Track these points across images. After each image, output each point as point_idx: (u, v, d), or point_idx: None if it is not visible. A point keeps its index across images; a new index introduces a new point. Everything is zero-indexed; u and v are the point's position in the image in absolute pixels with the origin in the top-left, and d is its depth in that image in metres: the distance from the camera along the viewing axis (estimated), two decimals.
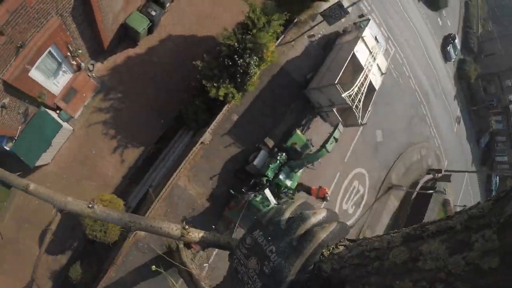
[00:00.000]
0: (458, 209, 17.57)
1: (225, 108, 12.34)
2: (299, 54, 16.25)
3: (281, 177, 12.51)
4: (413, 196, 20.66)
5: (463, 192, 29.00)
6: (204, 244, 1.60)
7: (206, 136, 11.94)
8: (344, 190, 17.39)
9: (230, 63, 10.90)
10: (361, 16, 18.19)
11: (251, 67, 10.90)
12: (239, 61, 10.73)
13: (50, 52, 9.40)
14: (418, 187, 21.04)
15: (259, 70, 11.51)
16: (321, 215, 1.00)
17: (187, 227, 1.53)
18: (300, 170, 13.06)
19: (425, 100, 25.01)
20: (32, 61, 8.50)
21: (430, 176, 22.59)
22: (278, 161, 12.60)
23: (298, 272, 0.90)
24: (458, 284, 0.71)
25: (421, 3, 28.89)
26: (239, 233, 12.84)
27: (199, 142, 11.90)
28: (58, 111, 11.53)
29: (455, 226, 0.77)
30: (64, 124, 11.09)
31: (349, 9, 15.35)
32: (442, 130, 26.83)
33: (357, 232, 17.92)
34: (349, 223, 17.49)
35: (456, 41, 31.26)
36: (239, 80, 11.09)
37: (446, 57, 30.24)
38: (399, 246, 0.86)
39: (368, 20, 16.66)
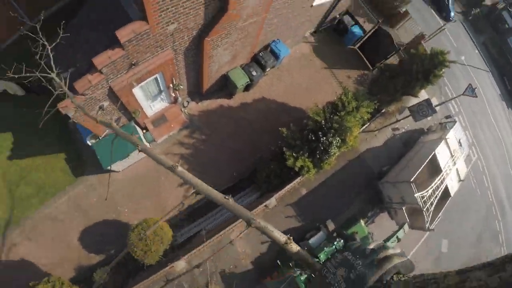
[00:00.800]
0: None
1: (298, 179, 12.37)
2: (380, 144, 16.21)
3: None
4: None
5: None
6: (297, 257, 1.83)
7: (272, 201, 11.97)
8: None
9: (313, 138, 11.15)
10: (448, 116, 17.81)
11: (332, 147, 11.01)
12: (322, 138, 10.94)
13: (156, 78, 10.29)
14: None
15: (339, 151, 11.58)
16: (397, 250, 1.30)
17: (291, 238, 1.83)
18: None
19: (501, 215, 22.96)
20: (139, 80, 9.28)
21: None
22: (334, 247, 12.09)
23: (375, 281, 1.15)
24: None
25: (510, 110, 27.75)
26: None
27: (264, 204, 11.93)
28: (144, 131, 12.45)
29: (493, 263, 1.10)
30: (146, 144, 11.82)
31: (437, 108, 15.16)
32: None
33: None
34: None
35: None
36: (318, 156, 11.20)
37: None
38: (452, 275, 1.15)
39: (455, 122, 16.34)
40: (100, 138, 11.12)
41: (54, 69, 4.96)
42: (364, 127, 14.49)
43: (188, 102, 13.16)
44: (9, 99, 14.41)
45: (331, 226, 13.22)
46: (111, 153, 10.22)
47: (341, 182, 14.72)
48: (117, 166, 11.66)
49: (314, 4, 12.89)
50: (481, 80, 23.62)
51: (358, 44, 17.41)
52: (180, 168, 1.91)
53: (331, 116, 11.24)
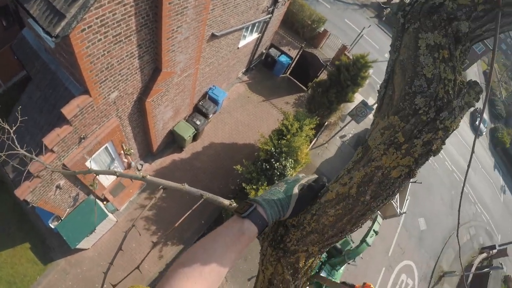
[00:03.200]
0: None
1: None
2: (333, 155, 17.37)
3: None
4: (469, 279, 19.62)
5: None
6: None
7: None
8: (391, 285, 16.82)
9: (268, 166, 11.91)
10: None
11: (287, 169, 11.81)
12: (275, 164, 11.72)
13: (106, 147, 10.75)
14: (473, 269, 19.96)
15: (295, 172, 12.40)
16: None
17: (233, 200, 1.99)
18: (342, 268, 13.05)
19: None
20: (90, 152, 9.62)
21: (484, 255, 21.43)
22: (319, 261, 12.74)
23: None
24: None
25: None
26: None
27: None
28: (105, 202, 12.72)
29: None
30: (109, 215, 12.11)
31: (374, 106, 16.84)
32: (488, 203, 26.51)
33: None
34: None
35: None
36: (276, 182, 11.88)
37: (477, 133, 30.69)
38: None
39: None
40: (62, 218, 11.37)
41: (19, 148, 5.30)
42: (312, 143, 15.74)
43: (142, 164, 13.84)
44: None
45: None
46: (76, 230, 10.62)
47: None
48: (85, 243, 11.81)
49: (239, 46, 14.37)
50: None
51: (289, 71, 19.33)
52: (187, 186, 2.56)
53: (279, 142, 12.22)
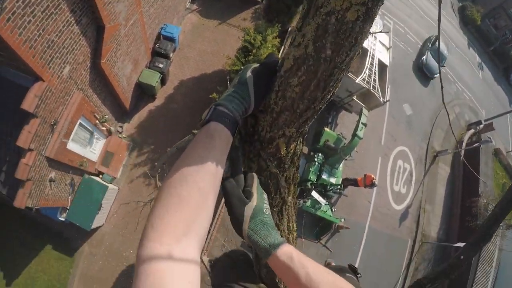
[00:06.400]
0: None
1: None
2: None
3: (324, 176, 13.68)
4: (462, 155, 21.19)
5: None
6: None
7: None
8: (390, 172, 18.37)
9: None
10: None
11: None
12: None
13: (80, 124, 10.71)
14: (463, 145, 21.62)
15: None
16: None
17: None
18: (341, 165, 14.19)
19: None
20: (67, 134, 9.68)
21: (472, 131, 23.18)
22: (316, 163, 13.80)
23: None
24: None
25: None
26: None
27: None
28: (100, 175, 13.10)
29: None
30: (109, 185, 12.56)
31: None
32: (468, 81, 27.82)
33: (417, 211, 18.73)
34: (405, 203, 18.49)
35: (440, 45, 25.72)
36: None
37: (427, 73, 24.14)
38: None
39: None
40: (68, 208, 11.75)
41: None
42: (281, 51, 15.92)
43: (121, 126, 14.06)
44: None
45: (304, 149, 14.76)
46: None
47: None
48: (98, 221, 12.36)
49: None
50: None
51: None
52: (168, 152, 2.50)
53: (246, 58, 12.38)
